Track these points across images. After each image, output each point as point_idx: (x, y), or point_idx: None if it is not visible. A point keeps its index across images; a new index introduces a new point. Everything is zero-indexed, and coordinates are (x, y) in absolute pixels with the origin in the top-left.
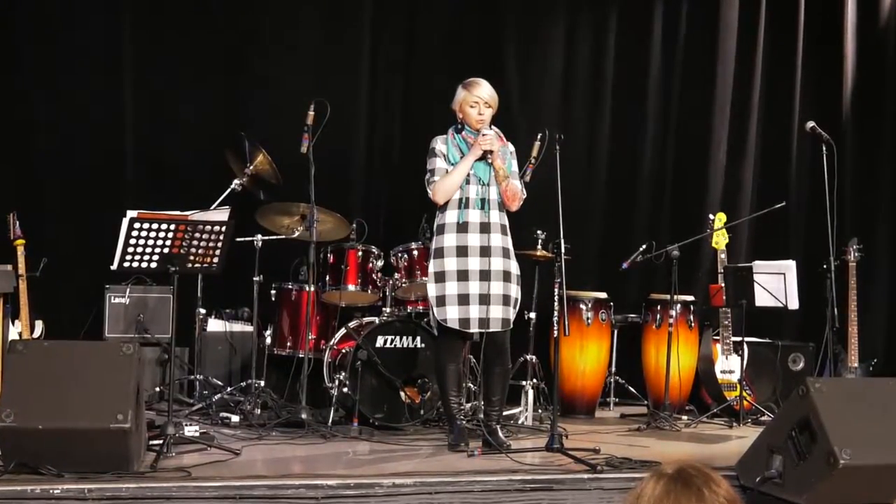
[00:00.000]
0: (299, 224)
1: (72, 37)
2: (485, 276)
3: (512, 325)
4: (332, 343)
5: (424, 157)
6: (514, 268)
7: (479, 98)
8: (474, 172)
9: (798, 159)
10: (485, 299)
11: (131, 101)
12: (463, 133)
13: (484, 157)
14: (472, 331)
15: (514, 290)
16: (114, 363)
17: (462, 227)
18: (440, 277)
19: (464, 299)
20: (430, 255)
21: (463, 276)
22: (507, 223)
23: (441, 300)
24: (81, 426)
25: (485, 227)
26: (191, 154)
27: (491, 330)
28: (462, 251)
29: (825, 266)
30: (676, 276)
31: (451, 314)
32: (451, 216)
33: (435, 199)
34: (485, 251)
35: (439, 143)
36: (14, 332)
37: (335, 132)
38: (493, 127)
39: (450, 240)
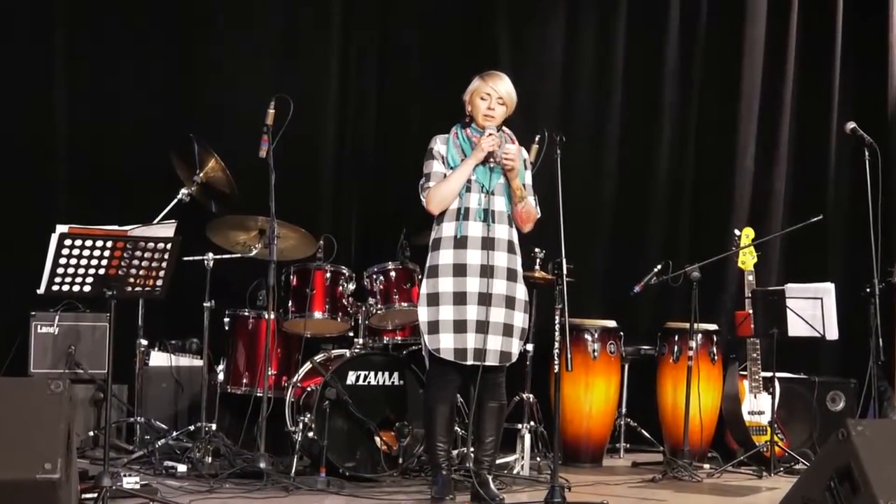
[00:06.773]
0: (257, 241)
1: None
2: (484, 299)
3: (515, 360)
4: (295, 380)
5: (402, 161)
6: (521, 293)
7: (492, 90)
8: (476, 178)
9: (837, 165)
10: (482, 327)
11: (63, 98)
12: (468, 130)
13: (487, 160)
14: (468, 363)
15: (520, 319)
16: (40, 403)
17: (460, 243)
18: (433, 300)
19: (460, 326)
20: (419, 274)
21: (460, 299)
22: (515, 239)
23: (433, 326)
24: (2, 477)
25: (487, 244)
26: (131, 159)
27: (487, 363)
28: (459, 270)
29: (868, 290)
30: (697, 301)
31: (445, 343)
32: (447, 229)
33: (429, 208)
34: (485, 271)
35: (438, 144)
36: None
37: (299, 133)
38: (504, 129)
39: (446, 257)
